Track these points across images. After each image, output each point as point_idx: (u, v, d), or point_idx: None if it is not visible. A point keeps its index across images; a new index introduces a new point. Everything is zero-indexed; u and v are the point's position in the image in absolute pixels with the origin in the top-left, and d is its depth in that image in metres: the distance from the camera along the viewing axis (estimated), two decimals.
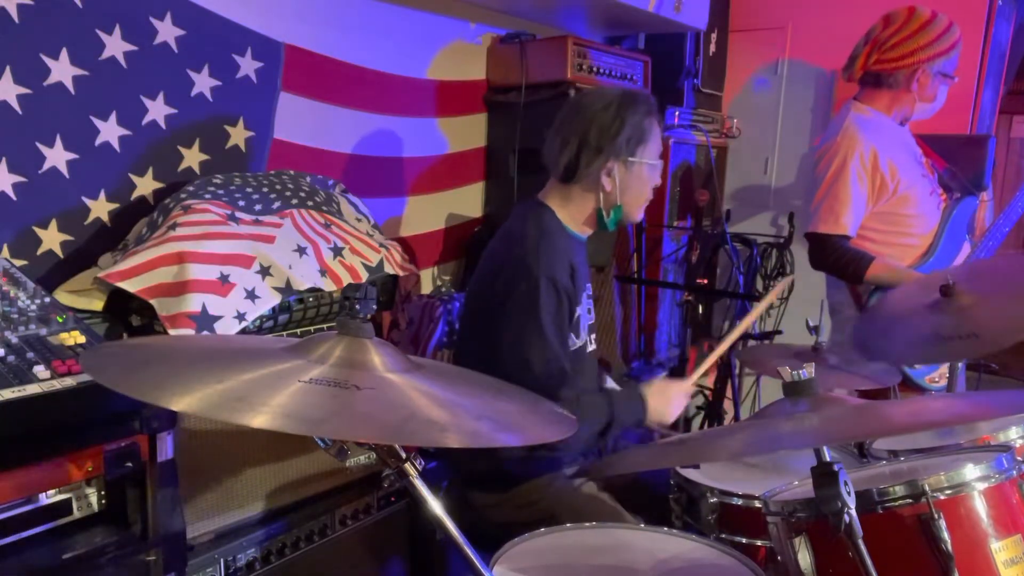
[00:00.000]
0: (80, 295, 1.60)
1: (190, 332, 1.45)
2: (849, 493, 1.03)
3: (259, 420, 0.81)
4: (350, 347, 0.99)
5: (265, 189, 1.76)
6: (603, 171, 1.76)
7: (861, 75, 2.45)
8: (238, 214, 1.65)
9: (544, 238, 1.74)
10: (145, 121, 1.84)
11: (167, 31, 1.84)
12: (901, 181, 2.36)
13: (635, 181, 1.80)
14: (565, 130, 1.79)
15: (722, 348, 1.99)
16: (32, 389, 1.09)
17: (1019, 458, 1.23)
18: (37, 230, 1.69)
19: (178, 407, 0.85)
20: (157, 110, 1.85)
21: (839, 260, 2.38)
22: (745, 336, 3.34)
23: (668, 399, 1.79)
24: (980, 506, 1.14)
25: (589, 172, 1.77)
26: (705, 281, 3.00)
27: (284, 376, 0.91)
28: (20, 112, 1.62)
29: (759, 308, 2.26)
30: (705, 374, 1.94)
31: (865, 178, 2.35)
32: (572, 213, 1.84)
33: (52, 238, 1.71)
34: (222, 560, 1.53)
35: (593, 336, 1.93)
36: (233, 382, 0.88)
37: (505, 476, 1.78)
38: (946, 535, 1.10)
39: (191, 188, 1.68)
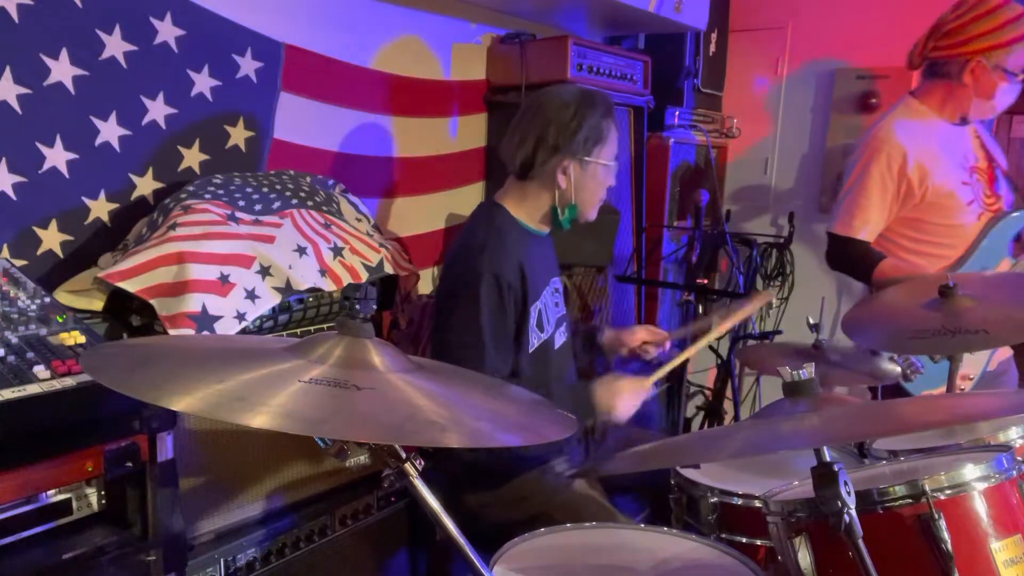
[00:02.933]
0: (80, 295, 1.60)
1: (190, 332, 1.45)
2: (849, 493, 1.03)
3: (259, 420, 0.81)
4: (350, 347, 0.99)
5: (265, 189, 1.76)
6: (559, 169, 1.78)
7: (920, 63, 2.27)
8: (238, 214, 1.65)
9: (492, 238, 1.76)
10: (145, 121, 1.84)
11: (167, 31, 1.84)
12: (931, 189, 2.22)
13: (590, 180, 1.81)
14: (523, 127, 1.81)
15: (691, 351, 1.95)
16: (32, 389, 1.09)
17: (1019, 458, 1.23)
18: (37, 230, 1.68)
19: (178, 407, 0.85)
20: (157, 110, 1.85)
21: (848, 259, 2.31)
22: (745, 336, 3.34)
23: (617, 395, 1.74)
24: (980, 506, 1.14)
25: (545, 169, 1.79)
26: (705, 281, 3.00)
27: (284, 376, 0.91)
28: (20, 112, 1.61)
29: (739, 315, 2.09)
30: (670, 375, 1.91)
31: (889, 183, 2.22)
32: (529, 210, 1.86)
33: (52, 238, 1.71)
34: (222, 560, 1.53)
35: (563, 327, 1.94)
36: (233, 382, 0.88)
37: (492, 474, 1.79)
38: (946, 535, 1.09)
39: (191, 188, 1.68)
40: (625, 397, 1.75)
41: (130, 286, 1.48)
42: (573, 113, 1.76)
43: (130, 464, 1.21)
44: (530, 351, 1.80)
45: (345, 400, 0.89)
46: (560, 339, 1.92)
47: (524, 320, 1.77)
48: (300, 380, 0.90)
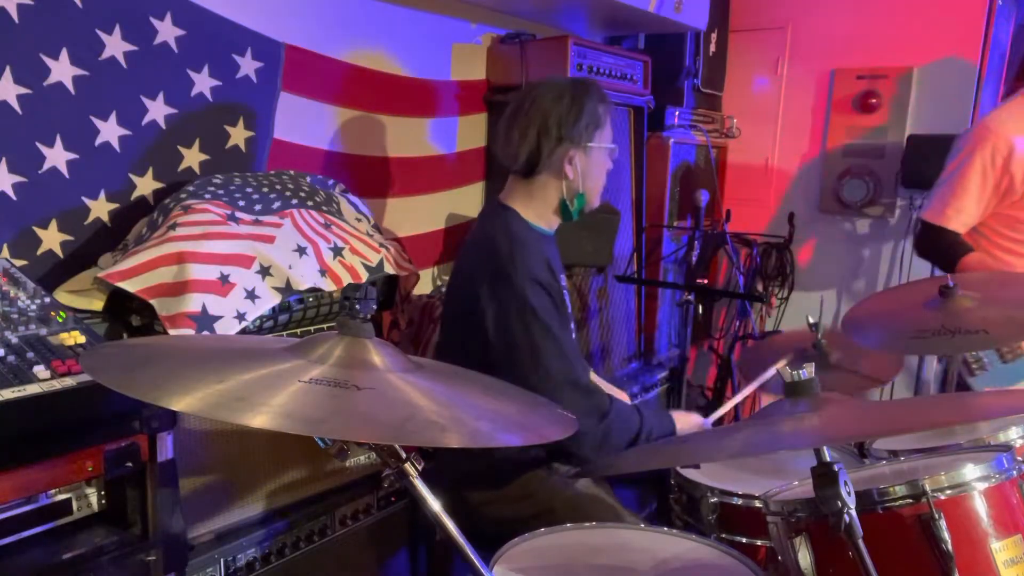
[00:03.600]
0: (80, 295, 1.60)
1: (190, 332, 1.45)
2: (849, 493, 1.03)
3: (259, 420, 0.81)
4: (350, 347, 0.99)
5: (265, 189, 1.76)
6: (565, 159, 1.77)
7: None
8: (238, 214, 1.65)
9: (516, 242, 1.73)
10: (145, 121, 1.83)
11: (167, 31, 1.84)
12: None
13: (594, 167, 1.82)
14: (522, 123, 1.79)
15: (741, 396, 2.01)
16: (32, 389, 1.09)
17: (1019, 458, 1.23)
18: (37, 230, 1.68)
19: (178, 407, 0.85)
20: (157, 110, 1.85)
21: (935, 247, 2.27)
22: (745, 336, 3.35)
23: (688, 425, 1.85)
24: (980, 506, 1.15)
25: (551, 161, 1.77)
26: (705, 281, 3.00)
27: (284, 376, 0.91)
28: (20, 112, 1.61)
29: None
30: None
31: (990, 175, 2.17)
32: (537, 209, 1.83)
33: (52, 238, 1.71)
34: (222, 560, 1.53)
35: (573, 325, 1.94)
36: (233, 382, 0.88)
37: (497, 472, 1.78)
38: (946, 535, 1.10)
39: (191, 188, 1.68)
40: (691, 428, 1.84)
41: (130, 286, 1.48)
42: (570, 102, 1.76)
43: (130, 464, 1.21)
44: None
45: (345, 400, 0.89)
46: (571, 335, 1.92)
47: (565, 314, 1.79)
48: (300, 380, 0.90)
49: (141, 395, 0.87)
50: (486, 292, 1.69)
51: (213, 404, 0.84)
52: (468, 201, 2.87)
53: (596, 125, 1.78)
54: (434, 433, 0.88)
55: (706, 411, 3.28)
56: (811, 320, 2.12)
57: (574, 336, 1.91)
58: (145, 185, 1.86)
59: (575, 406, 1.59)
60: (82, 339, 1.24)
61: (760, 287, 3.63)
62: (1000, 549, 1.12)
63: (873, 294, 2.21)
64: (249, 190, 1.73)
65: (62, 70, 1.66)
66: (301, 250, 1.67)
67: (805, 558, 1.16)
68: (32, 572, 1.13)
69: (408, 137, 2.59)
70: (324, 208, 1.84)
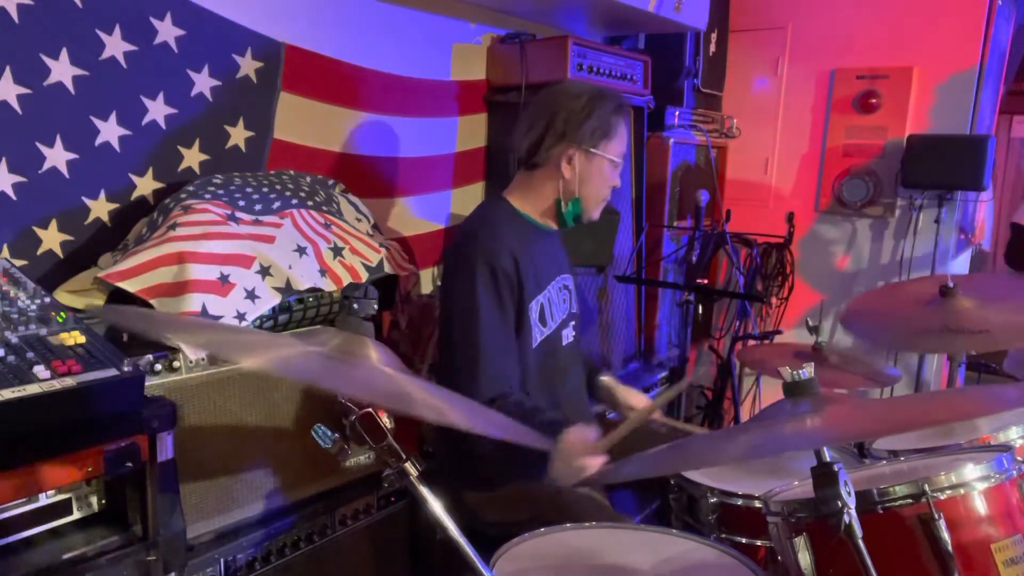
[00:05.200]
0: (80, 295, 1.60)
1: None
2: (849, 493, 1.03)
3: (256, 362, 0.87)
4: (349, 341, 1.01)
5: (265, 189, 1.76)
6: (564, 157, 1.77)
7: None
8: (238, 214, 1.65)
9: (485, 227, 1.75)
10: (145, 121, 1.84)
11: (167, 31, 1.84)
12: None
13: (595, 174, 1.80)
14: (533, 115, 1.81)
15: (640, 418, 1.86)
16: (32, 389, 1.09)
17: (1019, 458, 1.24)
18: (37, 230, 1.68)
19: (189, 343, 0.90)
20: (157, 110, 1.85)
21: None
22: (746, 336, 3.35)
23: (573, 456, 1.52)
24: (980, 506, 1.15)
25: (550, 155, 1.78)
26: (705, 281, 3.00)
27: (288, 346, 0.98)
28: (20, 112, 1.61)
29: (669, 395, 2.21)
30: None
31: None
32: (534, 202, 1.84)
33: (52, 238, 1.71)
34: (222, 560, 1.53)
35: (572, 326, 1.93)
36: (244, 336, 0.94)
37: (492, 475, 1.78)
38: (946, 535, 1.10)
39: (191, 188, 1.68)
40: (579, 463, 1.52)
41: (130, 286, 1.48)
42: (584, 103, 1.76)
43: (130, 464, 1.21)
44: (533, 346, 1.80)
45: (344, 367, 0.92)
46: (568, 337, 1.91)
47: (523, 311, 1.76)
48: (302, 349, 0.94)
49: (156, 333, 0.91)
50: (447, 271, 1.76)
51: (220, 342, 0.93)
52: (468, 201, 2.86)
53: (604, 133, 1.78)
54: (436, 407, 0.91)
55: (706, 411, 3.29)
56: (811, 323, 2.12)
57: (569, 339, 1.90)
58: (145, 185, 1.86)
59: (467, 387, 1.63)
60: (82, 339, 1.24)
61: (760, 287, 3.63)
62: (1000, 549, 1.13)
63: (874, 288, 2.19)
64: (249, 190, 1.73)
65: (62, 70, 1.66)
66: (301, 250, 1.67)
67: (805, 558, 1.16)
68: (32, 572, 1.13)
69: (408, 137, 2.59)
70: (324, 208, 1.84)
